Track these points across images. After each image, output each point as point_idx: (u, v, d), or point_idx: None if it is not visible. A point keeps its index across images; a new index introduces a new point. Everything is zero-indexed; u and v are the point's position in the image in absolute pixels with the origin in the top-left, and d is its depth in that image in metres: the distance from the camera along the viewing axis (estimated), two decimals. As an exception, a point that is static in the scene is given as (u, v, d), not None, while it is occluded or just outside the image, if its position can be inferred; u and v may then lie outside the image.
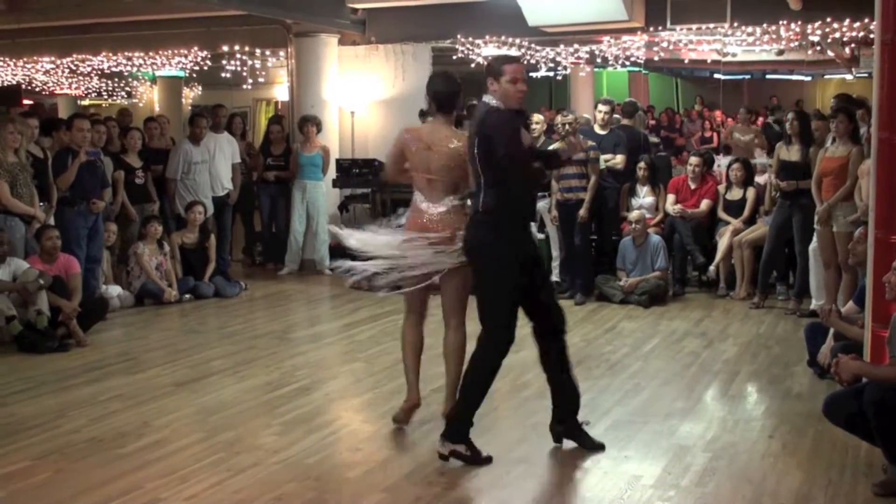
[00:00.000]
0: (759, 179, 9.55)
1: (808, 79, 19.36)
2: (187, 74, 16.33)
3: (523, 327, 7.63)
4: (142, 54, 14.05)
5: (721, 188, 9.43)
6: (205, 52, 13.62)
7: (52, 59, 14.82)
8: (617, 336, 7.55)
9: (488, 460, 4.58)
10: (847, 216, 7.44)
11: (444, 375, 5.10)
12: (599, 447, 4.80)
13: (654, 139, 13.61)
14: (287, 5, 10.37)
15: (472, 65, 12.60)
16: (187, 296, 9.15)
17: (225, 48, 12.80)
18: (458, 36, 11.30)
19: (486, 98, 4.67)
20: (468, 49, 11.85)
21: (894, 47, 4.98)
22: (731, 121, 15.81)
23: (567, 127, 8.88)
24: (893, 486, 4.16)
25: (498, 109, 4.59)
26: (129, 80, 18.08)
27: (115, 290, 8.72)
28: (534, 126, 9.78)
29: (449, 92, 5.05)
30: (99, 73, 16.49)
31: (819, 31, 10.56)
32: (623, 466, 4.58)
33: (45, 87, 18.08)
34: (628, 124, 10.37)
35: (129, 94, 18.99)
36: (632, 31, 10.91)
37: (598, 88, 17.35)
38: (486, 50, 12.16)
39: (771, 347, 7.11)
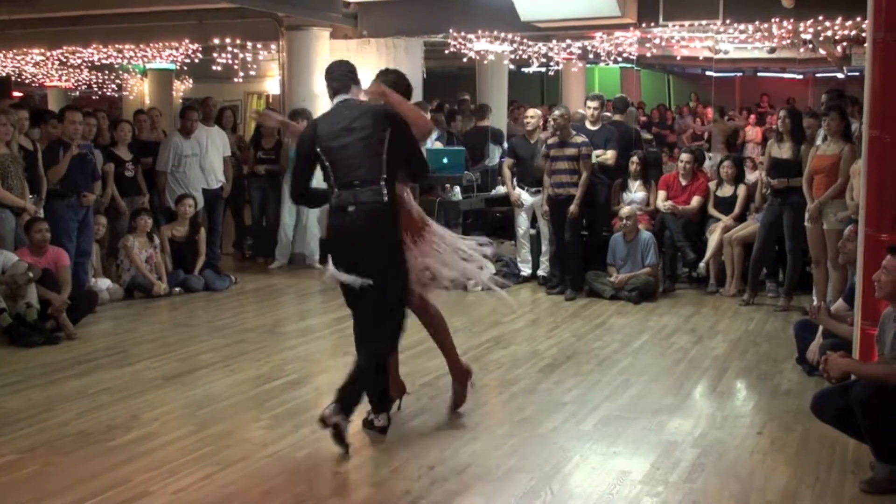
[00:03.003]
0: (750, 177, 9.57)
1: (800, 77, 19.43)
2: (178, 67, 16.27)
3: (511, 323, 7.67)
4: (132, 47, 13.98)
5: (712, 185, 9.44)
6: (196, 45, 13.56)
7: (42, 50, 14.73)
8: (607, 332, 7.56)
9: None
10: (838, 214, 7.46)
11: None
12: None
13: (646, 135, 13.65)
14: (279, -2, 10.35)
15: (465, 59, 12.60)
16: (177, 289, 9.13)
17: (216, 41, 12.75)
18: (451, 30, 11.29)
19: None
20: (460, 43, 11.84)
21: (886, 45, 4.99)
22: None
23: (559, 120, 8.90)
24: (881, 483, 4.17)
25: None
26: (120, 72, 18.00)
27: (104, 283, 8.70)
28: (529, 120, 9.78)
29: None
30: (89, 65, 16.41)
31: (811, 29, 10.58)
32: (612, 462, 4.59)
33: (34, 79, 18.00)
34: (620, 120, 10.39)
35: (120, 87, 18.90)
36: (624, 27, 10.91)
37: (590, 84, 17.39)
38: (479, 44, 12.15)
39: (760, 344, 7.13)
